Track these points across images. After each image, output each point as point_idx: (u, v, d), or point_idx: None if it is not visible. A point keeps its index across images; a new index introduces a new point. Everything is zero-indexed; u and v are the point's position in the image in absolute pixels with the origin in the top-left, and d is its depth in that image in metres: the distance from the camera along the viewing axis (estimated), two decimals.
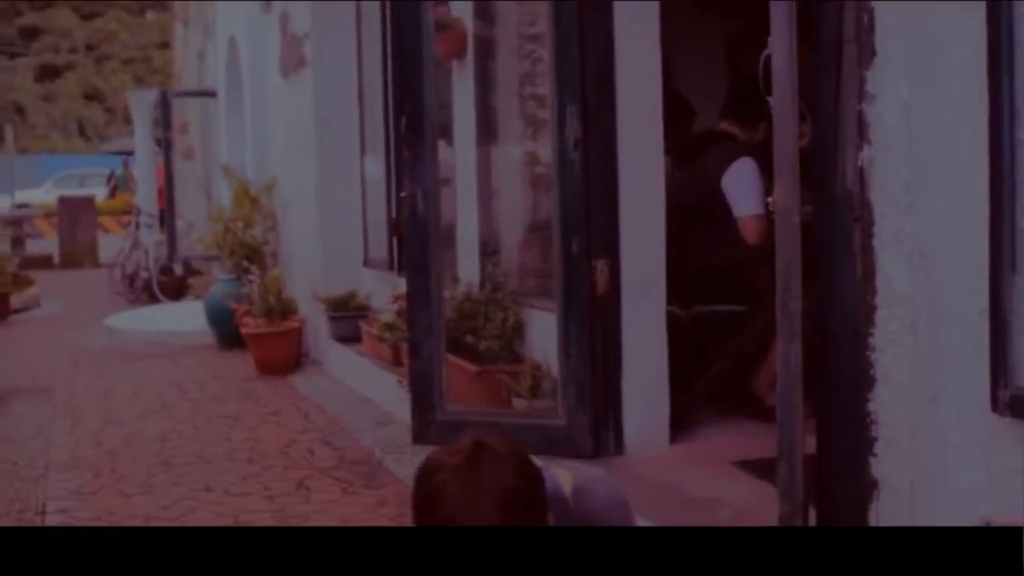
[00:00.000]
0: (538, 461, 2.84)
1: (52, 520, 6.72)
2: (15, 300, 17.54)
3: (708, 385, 6.82)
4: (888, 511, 4.12)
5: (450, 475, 2.56)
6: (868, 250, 4.11)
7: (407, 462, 7.60)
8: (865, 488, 4.17)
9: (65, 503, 7.08)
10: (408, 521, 6.34)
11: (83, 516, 6.79)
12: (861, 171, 4.10)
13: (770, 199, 4.31)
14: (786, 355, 3.89)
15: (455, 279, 8.30)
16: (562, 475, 2.93)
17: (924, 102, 3.90)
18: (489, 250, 8.24)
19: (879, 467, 4.14)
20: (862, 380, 4.15)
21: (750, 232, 6.65)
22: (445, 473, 2.57)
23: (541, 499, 2.68)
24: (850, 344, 4.18)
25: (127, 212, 25.68)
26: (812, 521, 4.31)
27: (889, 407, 4.09)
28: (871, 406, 4.14)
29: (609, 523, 2.83)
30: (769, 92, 4.14)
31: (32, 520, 6.75)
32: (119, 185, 35.89)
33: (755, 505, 4.93)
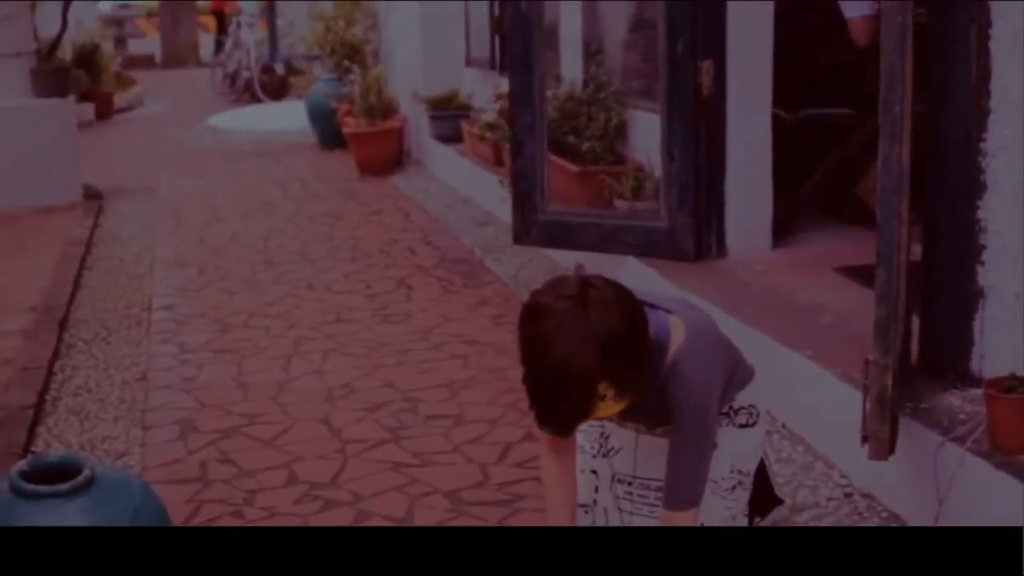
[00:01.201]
0: (654, 298, 2.81)
1: (158, 316, 6.88)
2: (118, 100, 17.71)
3: (813, 190, 6.72)
4: (993, 320, 4.07)
5: (557, 322, 2.52)
6: (984, 53, 3.97)
7: (507, 261, 7.66)
8: (971, 296, 4.11)
9: (171, 299, 7.24)
10: (506, 320, 6.40)
11: (188, 312, 6.94)
12: None
13: None
14: (887, 157, 3.78)
15: (558, 78, 8.19)
16: (676, 324, 2.81)
17: None
18: (592, 50, 8.10)
19: (986, 276, 4.07)
20: (972, 187, 4.06)
21: (860, 33, 6.45)
22: (553, 320, 2.53)
23: (646, 347, 2.64)
24: (961, 150, 4.08)
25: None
26: (914, 327, 4.27)
27: (999, 214, 4.00)
28: (980, 213, 4.05)
29: (686, 398, 2.75)
30: None
31: (139, 315, 6.91)
32: None
33: (857, 312, 4.88)
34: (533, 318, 2.58)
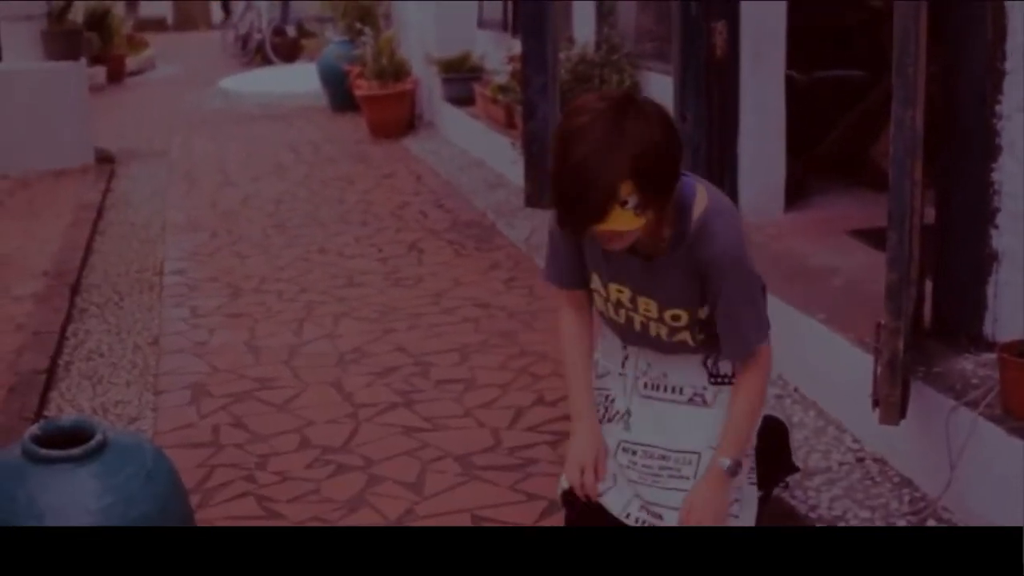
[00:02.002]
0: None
1: (169, 280, 6.88)
2: (130, 63, 17.69)
3: (826, 152, 6.69)
4: (1007, 284, 4.05)
5: (595, 116, 2.55)
6: (1000, 11, 3.94)
7: (519, 225, 7.64)
8: (985, 260, 4.08)
9: (183, 263, 7.24)
10: (518, 284, 6.39)
11: (200, 276, 6.94)
12: None
13: None
14: (900, 120, 3.75)
15: (570, 40, 8.17)
16: (700, 190, 2.83)
17: None
18: (605, 11, 8.07)
19: (1000, 239, 4.04)
20: (987, 149, 4.03)
21: None
22: (591, 115, 2.55)
23: (675, 167, 2.65)
24: (976, 111, 4.04)
25: None
26: (926, 291, 4.25)
27: (1014, 177, 3.97)
28: (995, 176, 4.02)
29: (722, 253, 2.75)
30: None
31: (151, 280, 6.92)
32: None
33: (869, 275, 4.87)
34: (571, 113, 2.63)
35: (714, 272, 2.76)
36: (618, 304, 2.93)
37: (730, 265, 2.77)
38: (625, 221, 2.57)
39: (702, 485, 2.89)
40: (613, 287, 2.90)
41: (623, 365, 3.08)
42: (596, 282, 2.94)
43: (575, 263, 2.97)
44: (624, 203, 2.54)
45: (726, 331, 2.84)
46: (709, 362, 2.98)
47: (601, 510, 3.04)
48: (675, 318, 2.87)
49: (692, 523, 2.86)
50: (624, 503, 3.02)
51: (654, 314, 2.90)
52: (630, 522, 3.00)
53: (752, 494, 3.06)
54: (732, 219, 2.82)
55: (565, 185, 2.56)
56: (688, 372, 3.00)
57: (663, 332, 2.92)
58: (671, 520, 2.95)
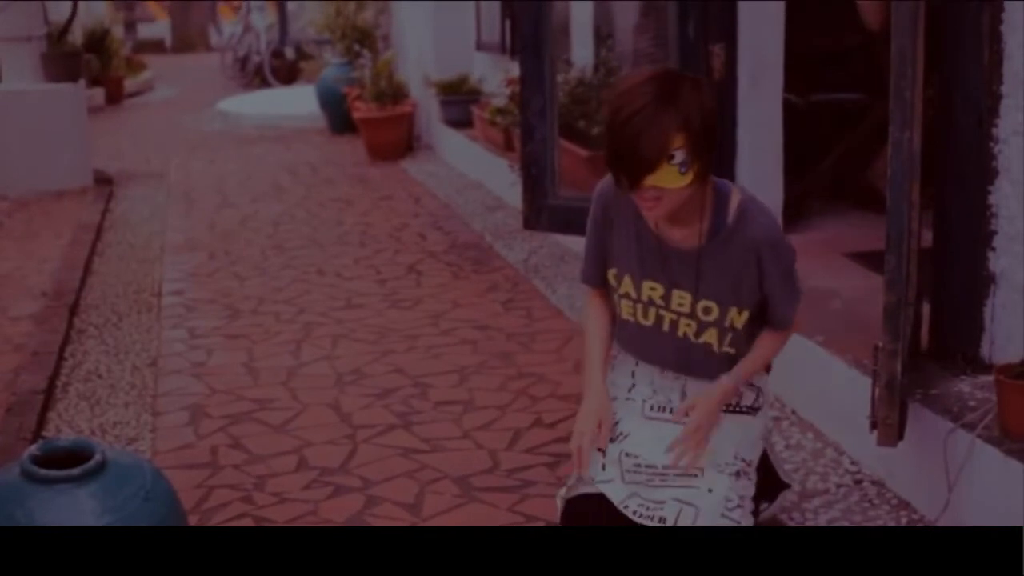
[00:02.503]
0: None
1: (168, 301, 6.89)
2: (129, 84, 17.71)
3: (823, 174, 6.70)
4: (1004, 306, 4.06)
5: (649, 78, 2.84)
6: (996, 36, 3.96)
7: (517, 247, 7.65)
8: (981, 282, 4.09)
9: (181, 285, 7.25)
10: (516, 306, 6.38)
11: (198, 297, 6.94)
12: None
13: None
14: (898, 142, 3.76)
15: (568, 63, 8.19)
16: (733, 188, 3.08)
17: None
18: (603, 34, 8.09)
19: (997, 261, 4.06)
20: (984, 172, 4.04)
21: (870, 16, 6.42)
22: (645, 78, 2.84)
23: (714, 137, 2.88)
24: (973, 134, 4.06)
25: None
26: (924, 313, 4.26)
27: (1010, 200, 3.99)
28: (992, 199, 4.04)
29: (764, 233, 3.02)
30: None
31: (149, 301, 6.92)
32: None
33: (867, 297, 4.88)
34: (625, 79, 2.92)
35: (764, 254, 3.03)
36: (649, 303, 3.03)
37: (771, 245, 3.04)
38: (671, 177, 2.79)
39: (702, 395, 3.10)
40: (647, 285, 3.02)
41: (630, 391, 3.12)
42: (628, 285, 3.04)
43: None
44: (671, 157, 2.76)
45: (770, 309, 3.12)
46: None
47: (600, 515, 3.07)
48: (706, 311, 3.00)
49: (691, 417, 3.06)
50: (624, 496, 3.07)
51: (686, 308, 3.05)
52: (628, 513, 3.04)
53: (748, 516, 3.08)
54: (765, 207, 3.09)
55: (619, 138, 2.80)
56: (695, 396, 3.04)
57: (691, 330, 3.00)
58: (670, 512, 2.99)
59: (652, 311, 3.04)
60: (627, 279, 3.05)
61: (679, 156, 2.76)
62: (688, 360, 3.07)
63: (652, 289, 3.02)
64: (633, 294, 3.04)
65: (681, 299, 3.01)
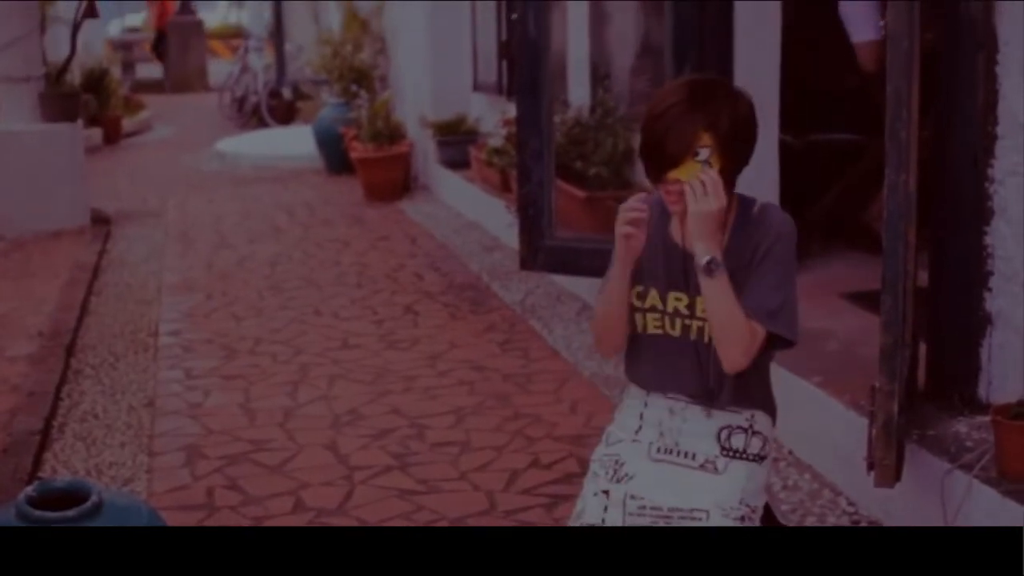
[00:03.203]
0: None
1: (164, 341, 6.88)
2: (127, 124, 17.72)
3: (819, 215, 6.71)
4: (1001, 346, 4.06)
5: (686, 83, 2.97)
6: (991, 78, 3.98)
7: (514, 287, 7.65)
8: (978, 323, 4.10)
9: (178, 325, 7.25)
10: (513, 347, 6.38)
11: (195, 337, 6.94)
12: None
13: (883, 22, 4.16)
14: (894, 184, 3.78)
15: (565, 103, 8.21)
16: (757, 200, 3.21)
17: None
18: (600, 74, 8.12)
19: (993, 302, 4.06)
20: (979, 212, 4.06)
21: (867, 59, 6.45)
22: (683, 83, 2.97)
23: (744, 146, 3.02)
24: (968, 175, 4.08)
25: (236, 36, 25.67)
26: (921, 353, 4.26)
27: (1007, 240, 4.00)
28: (988, 239, 4.05)
29: (780, 230, 3.14)
30: None
31: (146, 341, 6.92)
32: None
33: (863, 338, 4.88)
34: (668, 83, 3.09)
35: (768, 242, 3.11)
36: (675, 314, 3.08)
37: (784, 235, 3.14)
38: (694, 174, 2.91)
39: None
40: (672, 296, 3.08)
41: (637, 432, 3.13)
42: (654, 298, 3.06)
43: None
44: (696, 154, 2.90)
45: (751, 290, 3.06)
46: (723, 435, 3.04)
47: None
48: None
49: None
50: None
51: (685, 311, 3.08)
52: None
53: None
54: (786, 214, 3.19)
55: (649, 132, 2.93)
56: (702, 440, 3.07)
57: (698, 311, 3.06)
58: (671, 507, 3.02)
59: (679, 321, 3.08)
60: (653, 292, 3.09)
61: (704, 154, 2.90)
62: (707, 374, 3.07)
63: (678, 300, 3.07)
64: (660, 306, 3.08)
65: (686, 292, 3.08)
